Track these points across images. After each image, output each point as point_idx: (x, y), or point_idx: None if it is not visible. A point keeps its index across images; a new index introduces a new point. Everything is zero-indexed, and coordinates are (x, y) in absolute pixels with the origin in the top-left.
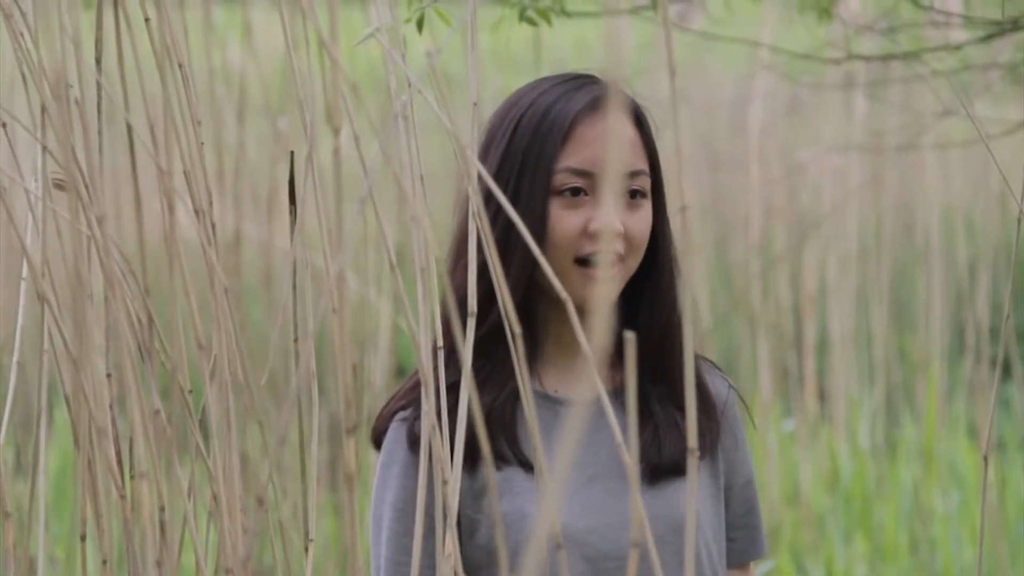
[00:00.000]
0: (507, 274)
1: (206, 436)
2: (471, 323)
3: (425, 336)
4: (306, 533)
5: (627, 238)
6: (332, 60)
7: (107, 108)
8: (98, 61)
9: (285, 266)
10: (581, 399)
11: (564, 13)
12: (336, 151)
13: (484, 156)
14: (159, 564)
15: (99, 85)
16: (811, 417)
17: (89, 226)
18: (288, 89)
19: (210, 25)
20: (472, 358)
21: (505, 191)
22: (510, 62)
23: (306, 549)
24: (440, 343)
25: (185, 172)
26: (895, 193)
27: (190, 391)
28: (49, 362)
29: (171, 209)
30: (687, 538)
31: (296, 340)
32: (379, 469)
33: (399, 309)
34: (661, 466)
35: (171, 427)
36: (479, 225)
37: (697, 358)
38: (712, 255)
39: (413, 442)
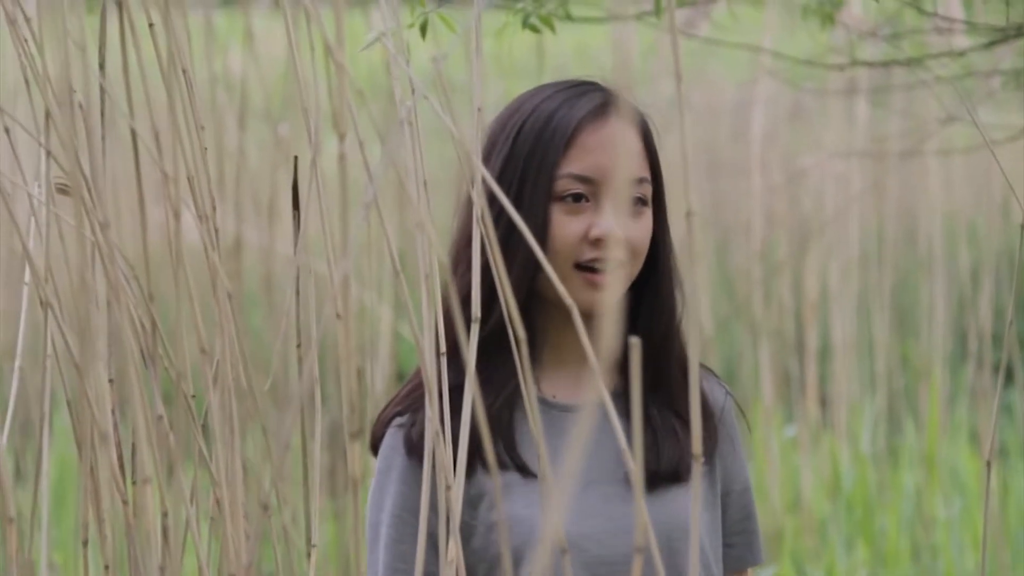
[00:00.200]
0: (508, 278)
1: (208, 441)
2: (475, 329)
3: (429, 342)
4: (308, 539)
5: (628, 245)
6: (338, 66)
7: (110, 113)
8: (101, 66)
9: (286, 272)
10: (586, 404)
11: (568, 19)
12: (342, 157)
13: (485, 161)
14: (162, 570)
15: (102, 90)
16: (813, 423)
17: (93, 231)
18: (290, 95)
19: (211, 31)
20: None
21: (507, 196)
22: (512, 68)
23: (308, 555)
24: (443, 349)
25: (188, 177)
26: (897, 199)
27: (193, 396)
28: (51, 367)
29: (176, 215)
30: (691, 544)
31: (299, 346)
32: (376, 475)
33: (401, 315)
34: (659, 473)
35: (174, 432)
36: (483, 230)
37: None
38: (714, 261)
39: (411, 448)
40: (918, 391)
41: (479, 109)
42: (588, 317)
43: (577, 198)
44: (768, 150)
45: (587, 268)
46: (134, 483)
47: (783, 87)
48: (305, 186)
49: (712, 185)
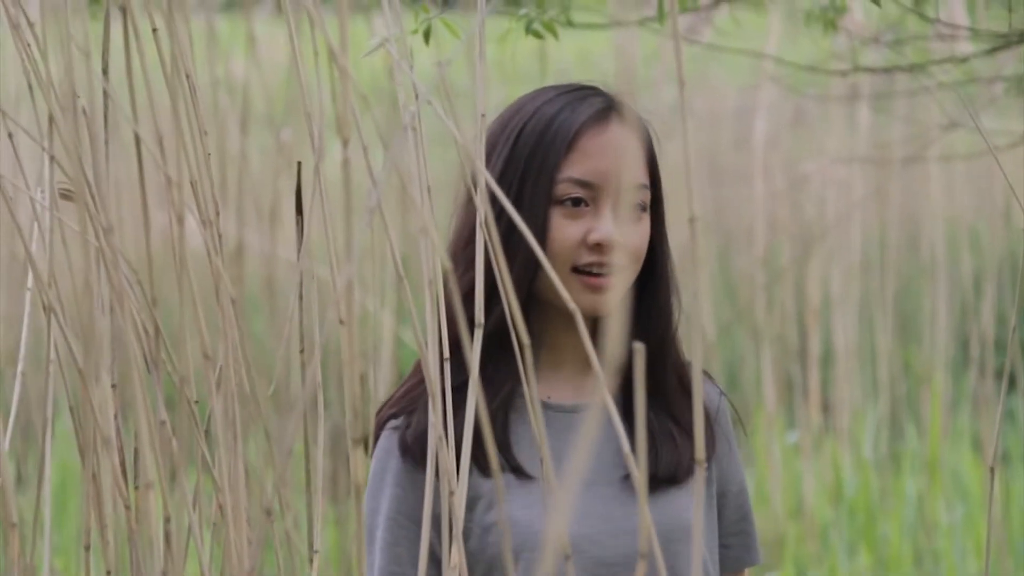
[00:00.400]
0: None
1: (211, 447)
2: (478, 333)
3: (432, 348)
4: (311, 544)
5: (626, 250)
6: (342, 71)
7: (113, 118)
8: (105, 71)
9: (288, 277)
10: (585, 406)
11: (571, 25)
12: (346, 162)
13: (485, 163)
14: (164, 575)
15: (106, 95)
16: (815, 429)
17: (96, 236)
18: (292, 100)
19: (213, 36)
20: (467, 363)
21: (506, 198)
22: (514, 74)
23: (311, 560)
24: (447, 355)
25: (192, 182)
26: (899, 205)
27: (196, 401)
28: (54, 372)
29: (180, 220)
30: (694, 546)
31: (302, 351)
32: (371, 478)
33: (403, 320)
34: (657, 476)
35: (176, 438)
36: (487, 236)
37: (689, 367)
38: (716, 267)
39: (405, 451)
40: (920, 397)
41: (482, 115)
42: (585, 320)
43: (576, 202)
44: (770, 156)
45: (585, 272)
46: (136, 488)
47: (785, 93)
48: (308, 191)
49: (714, 191)
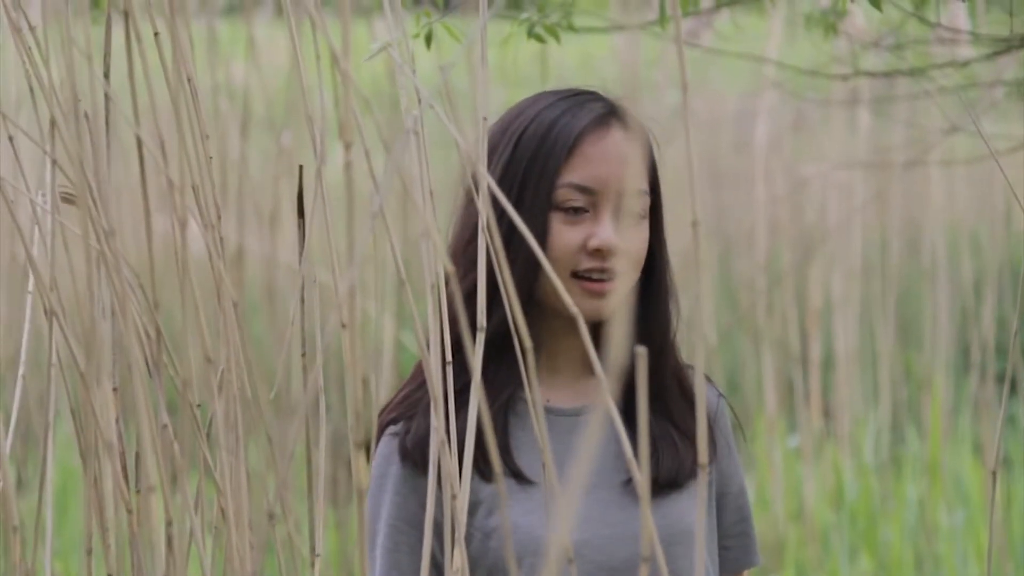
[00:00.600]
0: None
1: (213, 450)
2: (480, 337)
3: (434, 352)
4: (312, 547)
5: (624, 256)
6: (344, 75)
7: (114, 122)
8: (106, 75)
9: (288, 281)
10: (584, 409)
11: (572, 29)
12: (348, 165)
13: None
14: None
15: (107, 99)
16: (816, 433)
17: (98, 240)
18: (292, 104)
19: (214, 40)
20: (467, 366)
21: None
22: (515, 77)
23: (312, 564)
24: (449, 358)
25: (193, 186)
26: (900, 210)
27: (198, 405)
28: (55, 376)
29: (182, 224)
30: (697, 551)
31: (304, 355)
32: (371, 482)
33: (404, 324)
34: (658, 481)
35: (178, 441)
36: (489, 241)
37: (688, 368)
38: (717, 271)
39: (405, 456)
40: (921, 401)
41: (484, 118)
42: (585, 325)
43: (576, 208)
44: (771, 160)
45: (584, 277)
46: (138, 492)
47: (786, 97)
48: (310, 195)
49: (715, 195)
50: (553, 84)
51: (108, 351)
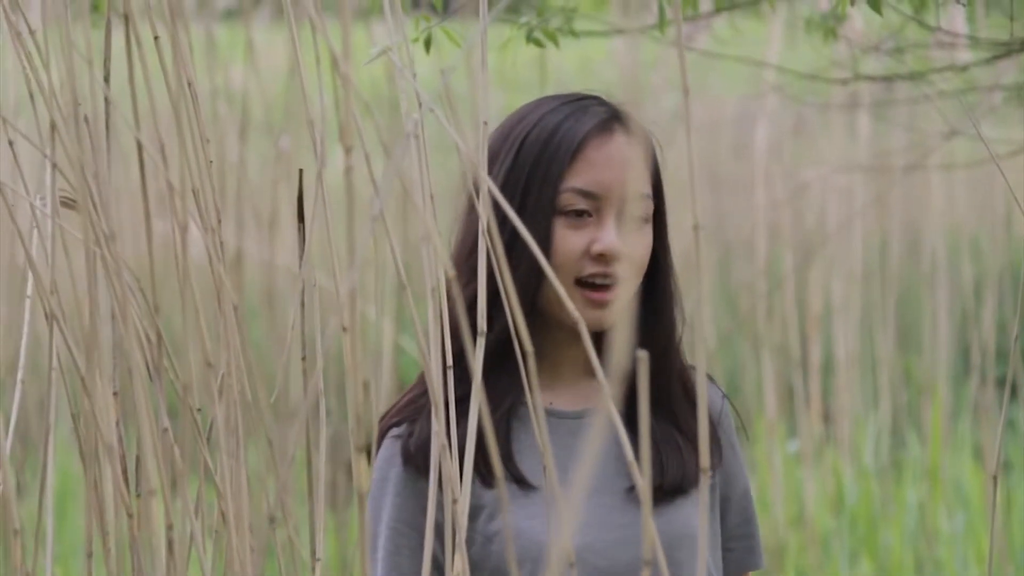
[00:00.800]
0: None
1: (213, 454)
2: (480, 342)
3: (435, 356)
4: (312, 551)
5: (628, 261)
6: (344, 79)
7: (114, 125)
8: (106, 79)
9: (287, 285)
10: (586, 413)
11: (572, 34)
12: (348, 169)
13: (487, 173)
14: None
15: (107, 102)
16: (816, 438)
17: (98, 244)
18: (291, 107)
19: (213, 44)
20: (469, 372)
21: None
22: (514, 82)
23: (313, 568)
24: (450, 363)
25: (193, 190)
26: (900, 214)
27: (198, 409)
28: (55, 380)
29: (182, 228)
30: (699, 555)
31: (304, 359)
32: (373, 485)
33: (403, 328)
34: (662, 487)
35: (179, 445)
36: (490, 245)
37: (691, 370)
38: (717, 275)
39: (407, 459)
40: (921, 405)
41: (484, 122)
42: (588, 331)
43: (580, 213)
44: (771, 164)
45: (587, 284)
46: (138, 495)
47: (786, 101)
48: (310, 198)
49: (714, 199)
50: (552, 88)
51: (108, 355)
